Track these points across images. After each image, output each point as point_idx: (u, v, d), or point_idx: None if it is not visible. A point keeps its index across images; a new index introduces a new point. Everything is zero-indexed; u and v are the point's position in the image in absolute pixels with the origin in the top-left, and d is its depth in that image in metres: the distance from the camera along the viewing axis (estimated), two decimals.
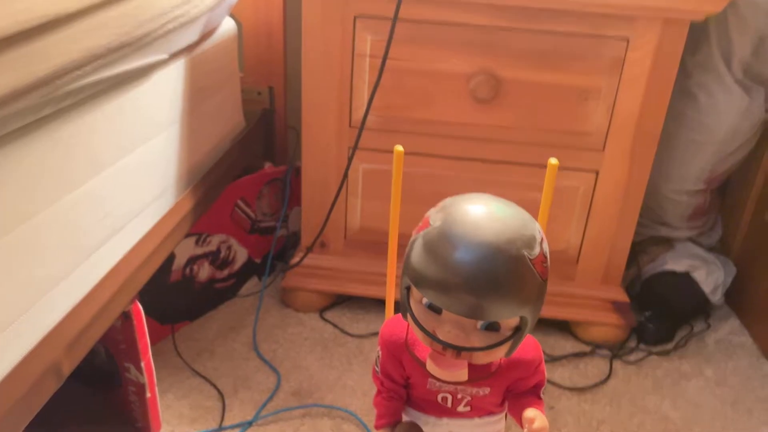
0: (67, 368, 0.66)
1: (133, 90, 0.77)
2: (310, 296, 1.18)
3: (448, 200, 0.53)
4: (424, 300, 0.52)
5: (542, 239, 0.52)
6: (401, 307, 0.56)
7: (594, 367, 1.09)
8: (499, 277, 0.48)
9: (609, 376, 1.06)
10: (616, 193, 1.06)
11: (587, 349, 1.13)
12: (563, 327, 1.16)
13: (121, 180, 0.77)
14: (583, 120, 1.02)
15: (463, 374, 0.58)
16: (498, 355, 0.54)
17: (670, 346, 1.15)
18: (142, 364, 0.83)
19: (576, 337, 1.15)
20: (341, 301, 1.21)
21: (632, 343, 1.15)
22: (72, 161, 0.66)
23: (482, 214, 0.50)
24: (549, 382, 1.02)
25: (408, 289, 0.54)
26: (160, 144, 0.87)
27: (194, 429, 0.90)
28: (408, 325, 0.59)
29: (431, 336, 0.53)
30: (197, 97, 0.98)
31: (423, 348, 0.59)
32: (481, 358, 0.54)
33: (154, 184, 0.87)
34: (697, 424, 0.97)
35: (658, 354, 1.13)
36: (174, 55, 0.88)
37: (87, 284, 0.71)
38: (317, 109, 1.07)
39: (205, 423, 0.92)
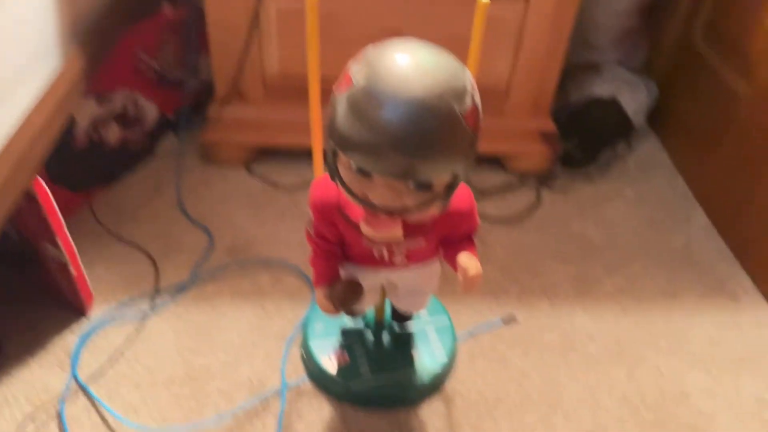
0: None
1: None
2: (233, 150, 1.12)
3: (370, 51, 0.48)
4: (353, 164, 0.49)
5: (473, 89, 0.48)
6: (329, 171, 0.53)
7: (522, 197, 1.12)
8: (430, 135, 0.46)
9: (536, 205, 1.10)
10: (545, 22, 1.01)
11: (516, 180, 1.15)
12: (492, 160, 1.17)
13: None
14: None
15: (398, 233, 0.57)
16: (432, 213, 0.53)
17: (593, 170, 1.19)
18: (59, 241, 0.78)
19: (505, 170, 1.17)
20: (267, 153, 1.16)
21: (558, 171, 1.17)
22: None
23: (409, 67, 0.46)
24: (479, 216, 1.04)
25: (334, 153, 0.51)
26: None
27: (129, 296, 0.89)
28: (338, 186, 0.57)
29: (363, 200, 0.51)
30: None
31: (356, 208, 0.57)
32: (416, 217, 0.53)
33: (33, 43, 0.75)
34: (617, 243, 1.04)
35: (583, 179, 1.17)
36: None
37: None
38: None
39: (140, 289, 0.90)
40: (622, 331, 0.88)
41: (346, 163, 0.50)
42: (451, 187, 0.51)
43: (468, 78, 0.48)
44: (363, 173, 0.49)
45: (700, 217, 1.10)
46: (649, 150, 1.26)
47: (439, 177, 0.49)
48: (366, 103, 0.46)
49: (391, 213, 0.51)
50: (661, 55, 1.29)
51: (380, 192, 0.49)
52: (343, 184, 0.51)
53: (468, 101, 0.47)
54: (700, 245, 1.04)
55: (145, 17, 1.07)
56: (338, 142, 0.48)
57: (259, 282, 0.93)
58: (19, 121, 0.72)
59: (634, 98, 1.21)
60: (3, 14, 0.67)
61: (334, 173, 0.52)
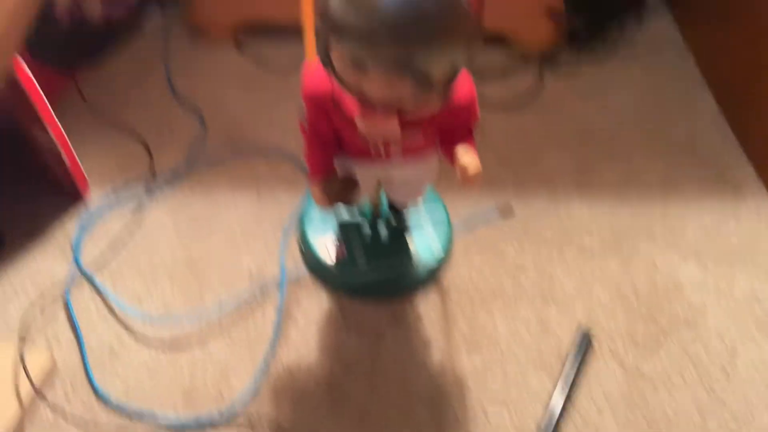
0: None
1: None
2: (222, 25, 1.06)
3: None
4: (347, 54, 0.46)
5: None
6: (322, 60, 0.50)
7: (524, 81, 1.07)
8: (429, 21, 0.43)
9: (539, 89, 1.06)
10: None
11: (517, 61, 1.10)
12: (493, 39, 1.11)
13: None
14: None
15: (394, 128, 0.55)
16: (431, 109, 0.51)
17: (600, 50, 1.13)
18: (48, 128, 0.76)
19: (506, 49, 1.11)
20: (258, 30, 1.09)
21: (563, 51, 1.12)
22: None
23: None
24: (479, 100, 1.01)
25: (327, 40, 0.47)
26: None
27: (125, 183, 0.88)
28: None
29: (357, 94, 0.48)
30: None
31: (351, 101, 0.55)
32: (414, 113, 0.51)
33: None
34: (620, 130, 1.01)
35: (588, 60, 1.11)
36: None
37: None
38: None
39: (136, 175, 0.89)
40: (619, 222, 0.88)
41: (339, 53, 0.47)
42: (450, 81, 0.48)
43: None
44: (358, 64, 0.46)
45: (708, 102, 1.06)
46: (660, 27, 1.19)
47: (439, 68, 0.46)
48: None
49: (387, 108, 0.49)
50: None
51: (376, 85, 0.47)
52: (336, 74, 0.49)
53: None
54: (705, 133, 1.01)
55: None
56: (331, 28, 0.45)
57: (255, 169, 0.91)
58: None
59: None
60: None
61: (326, 62, 0.49)
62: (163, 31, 1.08)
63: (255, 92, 1.02)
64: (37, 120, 0.76)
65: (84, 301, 0.76)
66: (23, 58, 0.71)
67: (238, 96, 1.01)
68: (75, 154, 0.82)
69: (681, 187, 0.93)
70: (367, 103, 0.49)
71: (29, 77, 0.72)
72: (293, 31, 1.07)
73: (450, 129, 0.60)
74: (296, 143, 0.94)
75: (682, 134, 1.01)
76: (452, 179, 0.89)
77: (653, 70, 1.11)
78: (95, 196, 0.86)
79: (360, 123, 0.53)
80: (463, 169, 0.55)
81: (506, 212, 0.88)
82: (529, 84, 1.07)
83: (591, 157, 0.97)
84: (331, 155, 0.64)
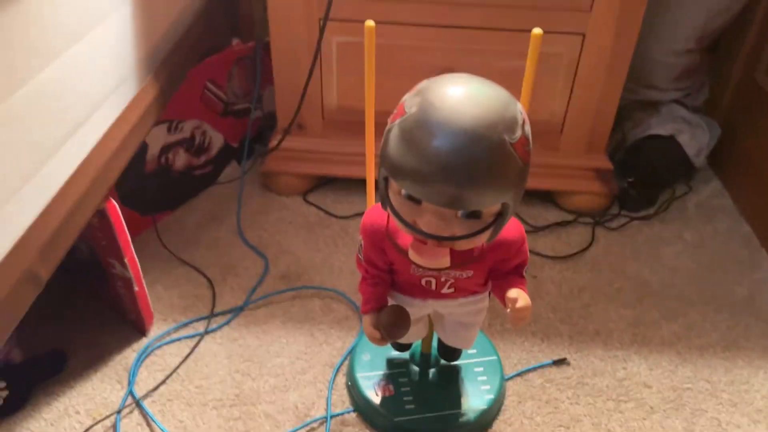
0: (45, 274, 0.65)
1: None
2: (291, 179, 1.16)
3: (423, 83, 0.50)
4: (403, 191, 0.50)
5: (524, 121, 0.49)
6: (380, 197, 0.54)
7: (576, 236, 1.10)
8: (479, 165, 0.46)
9: (591, 244, 1.08)
10: (602, 58, 1.01)
11: (570, 218, 1.14)
12: (546, 197, 1.16)
13: (76, 70, 0.71)
14: None
15: (445, 261, 0.57)
16: (480, 242, 0.54)
17: (651, 211, 1.16)
18: (126, 260, 0.82)
19: (559, 207, 1.16)
20: (324, 183, 1.19)
21: (615, 210, 1.16)
22: (11, 54, 0.60)
23: (460, 98, 0.47)
24: (532, 252, 1.03)
25: (386, 180, 0.52)
26: (111, 27, 0.80)
27: (186, 317, 0.92)
28: (388, 214, 0.58)
29: (411, 227, 0.52)
30: None
31: (405, 236, 0.58)
32: (464, 245, 0.54)
33: (113, 71, 0.81)
34: (674, 287, 1.00)
35: (640, 220, 1.14)
36: None
37: (55, 184, 0.69)
38: None
39: (197, 311, 0.93)
40: (680, 379, 0.85)
41: (396, 190, 0.51)
42: (500, 217, 0.51)
43: (519, 109, 0.49)
44: (412, 200, 0.50)
45: (765, 264, 1.05)
46: (710, 192, 1.22)
47: (488, 206, 0.49)
48: (417, 131, 0.47)
49: (439, 240, 0.52)
50: (724, 94, 1.26)
51: (429, 219, 0.50)
52: (393, 210, 0.52)
53: (518, 132, 0.48)
54: (765, 294, 0.99)
55: (215, 51, 1.13)
56: (389, 168, 0.49)
57: (310, 308, 0.94)
58: (97, 143, 0.77)
59: (694, 138, 1.19)
60: (87, 45, 0.73)
61: (385, 199, 0.53)
62: (237, 181, 1.18)
63: (316, 237, 1.08)
64: (116, 252, 0.82)
65: (132, 428, 0.76)
66: (113, 197, 0.79)
67: (299, 240, 1.07)
68: (146, 289, 0.88)
69: (745, 347, 0.90)
70: (419, 236, 0.52)
71: (117, 213, 0.80)
72: (354, 184, 1.16)
73: (501, 268, 0.63)
74: (352, 285, 0.97)
75: (741, 294, 0.99)
76: (505, 325, 0.90)
77: (705, 231, 1.12)
78: (157, 329, 0.90)
79: (413, 254, 0.56)
80: (513, 301, 0.56)
81: (560, 362, 0.86)
82: (582, 239, 1.09)
83: (647, 313, 0.95)
84: (385, 290, 0.66)
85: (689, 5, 1.13)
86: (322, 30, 0.99)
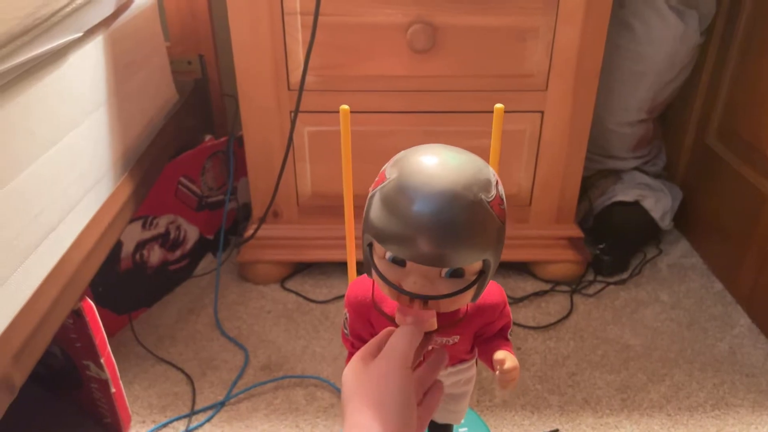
0: (19, 379, 0.63)
1: (48, 75, 0.71)
2: (268, 268, 1.16)
3: (401, 153, 0.53)
4: (387, 254, 0.51)
5: (497, 182, 0.52)
6: (365, 264, 0.55)
7: (555, 304, 1.11)
8: (460, 223, 0.48)
9: (570, 312, 1.09)
10: (562, 132, 1.06)
11: (547, 287, 1.15)
12: (522, 268, 1.18)
13: (50, 173, 0.72)
14: (523, 61, 1.01)
15: (432, 324, 0.57)
16: (465, 301, 0.54)
17: (625, 275, 1.18)
18: (102, 361, 0.80)
19: (535, 277, 1.17)
20: (301, 269, 1.19)
21: (590, 277, 1.17)
22: None
23: (436, 163, 0.49)
24: (514, 323, 1.04)
25: (370, 245, 0.53)
26: (88, 130, 0.82)
27: (166, 417, 0.89)
28: (373, 284, 0.59)
29: (397, 288, 0.52)
30: (122, 74, 0.92)
31: (390, 303, 0.58)
32: (449, 306, 0.54)
33: (88, 173, 0.82)
34: (657, 348, 1.01)
35: (615, 284, 1.16)
36: (89, 32, 0.82)
37: (29, 288, 0.68)
38: (252, 74, 1.02)
39: (177, 409, 0.90)
40: None
41: (381, 254, 0.52)
42: (482, 274, 0.52)
43: (491, 172, 0.51)
44: (397, 262, 0.51)
45: (741, 319, 1.07)
46: (680, 253, 1.25)
47: (470, 263, 0.50)
48: (398, 195, 0.49)
49: (424, 302, 0.52)
50: (680, 159, 1.32)
51: (414, 280, 0.51)
52: (378, 274, 0.53)
53: (493, 191, 0.50)
54: (745, 348, 1.00)
55: (188, 147, 1.16)
56: (373, 233, 0.51)
57: (294, 398, 0.92)
58: (72, 243, 0.76)
59: (659, 202, 1.23)
60: (63, 147, 0.74)
61: (370, 265, 0.54)
62: (214, 274, 1.18)
63: (296, 325, 1.07)
64: (92, 353, 0.80)
65: None
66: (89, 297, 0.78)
67: (279, 328, 1.06)
68: (122, 390, 0.85)
69: (733, 404, 0.90)
70: (405, 299, 0.53)
71: (94, 314, 0.78)
72: (331, 268, 1.17)
73: (486, 332, 0.63)
74: (333, 371, 0.96)
75: (722, 350, 1.00)
76: (494, 400, 0.88)
77: (680, 291, 1.14)
78: (135, 430, 0.86)
79: (399, 318, 0.56)
80: (500, 362, 0.56)
81: None
82: (561, 307, 1.10)
83: (633, 377, 0.95)
84: None
85: (638, 79, 1.20)
86: (293, 122, 1.03)
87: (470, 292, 0.53)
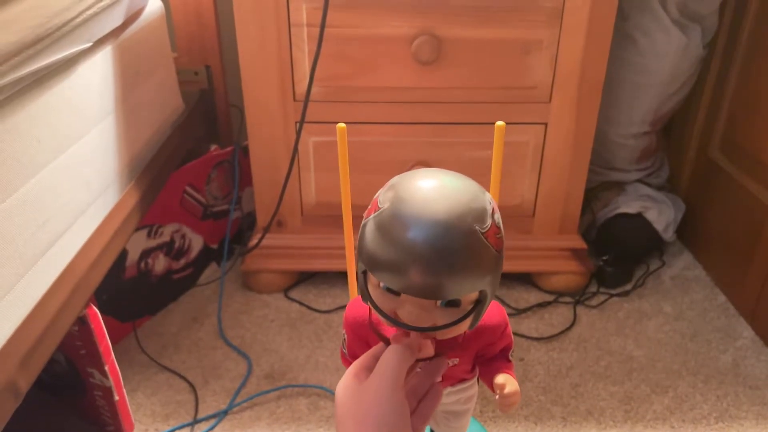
0: (24, 385, 0.63)
1: (58, 85, 0.72)
2: (272, 277, 1.16)
3: (395, 179, 0.52)
4: (382, 284, 0.51)
5: (493, 210, 0.50)
6: (359, 291, 0.55)
7: (559, 315, 1.11)
8: (454, 255, 0.47)
9: (573, 323, 1.09)
10: (565, 144, 1.07)
11: (550, 298, 1.15)
12: (525, 279, 1.18)
13: (57, 182, 0.73)
14: (527, 74, 1.02)
15: (429, 351, 0.57)
16: (461, 330, 0.54)
17: (629, 286, 1.18)
18: (106, 368, 0.80)
19: (539, 288, 1.17)
20: (305, 278, 1.20)
21: (593, 288, 1.17)
22: None
23: (430, 191, 0.48)
24: (516, 334, 1.04)
25: (365, 273, 0.53)
26: (95, 139, 0.82)
27: (168, 425, 0.89)
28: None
29: (392, 320, 0.51)
30: (129, 83, 0.93)
31: (388, 327, 0.58)
32: (445, 334, 0.54)
33: (94, 181, 0.83)
34: (660, 360, 1.01)
35: (619, 296, 1.16)
36: (98, 43, 0.83)
37: (35, 295, 0.68)
38: (258, 84, 1.03)
39: (179, 417, 0.90)
40: None
41: (375, 283, 0.51)
42: (479, 304, 0.52)
43: (488, 199, 0.50)
44: (391, 292, 0.50)
45: (745, 331, 1.07)
46: (683, 265, 1.25)
47: (466, 294, 0.50)
48: (392, 225, 0.48)
49: (420, 331, 0.52)
50: (683, 171, 1.33)
51: (409, 310, 0.50)
52: (373, 303, 0.53)
53: (488, 221, 0.49)
54: (749, 360, 1.00)
55: (194, 157, 1.17)
56: (367, 262, 0.50)
57: (297, 408, 0.92)
58: (78, 251, 0.77)
59: (661, 214, 1.23)
60: (70, 156, 0.75)
61: (365, 294, 0.54)
62: (218, 282, 1.18)
63: (299, 334, 1.07)
64: (97, 360, 0.80)
65: None
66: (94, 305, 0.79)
67: (282, 337, 1.06)
68: (126, 397, 0.85)
69: (736, 416, 0.89)
70: (401, 328, 0.52)
71: (99, 321, 0.79)
72: (335, 277, 1.17)
73: (486, 354, 0.63)
74: (336, 380, 0.95)
75: (726, 363, 1.00)
76: (497, 411, 0.88)
77: (683, 303, 1.14)
78: None
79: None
80: (501, 387, 0.56)
81: None
82: (564, 318, 1.10)
83: (637, 388, 0.95)
84: None
85: (641, 91, 1.21)
86: (299, 132, 1.03)
87: (467, 321, 0.51)
